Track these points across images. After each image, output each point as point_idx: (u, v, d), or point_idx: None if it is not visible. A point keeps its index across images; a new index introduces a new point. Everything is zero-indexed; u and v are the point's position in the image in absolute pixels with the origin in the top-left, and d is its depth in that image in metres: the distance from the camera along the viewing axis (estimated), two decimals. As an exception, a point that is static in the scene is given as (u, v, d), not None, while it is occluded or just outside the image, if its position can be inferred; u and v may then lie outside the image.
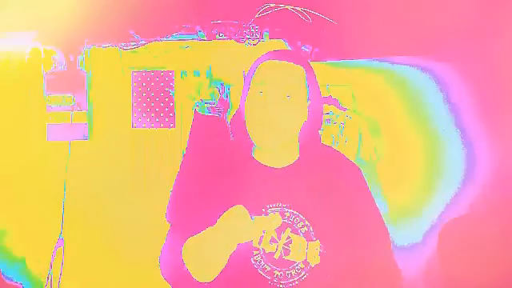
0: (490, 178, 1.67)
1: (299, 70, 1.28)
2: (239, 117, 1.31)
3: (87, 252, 1.80)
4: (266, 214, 1.24)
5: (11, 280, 1.76)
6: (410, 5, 1.64)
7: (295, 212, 1.24)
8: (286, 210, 1.24)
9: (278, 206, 1.24)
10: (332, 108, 1.89)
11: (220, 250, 1.18)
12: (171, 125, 1.87)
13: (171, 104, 1.87)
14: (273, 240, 1.22)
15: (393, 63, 1.80)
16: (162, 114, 1.87)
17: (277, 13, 1.75)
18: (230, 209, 1.18)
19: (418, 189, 1.77)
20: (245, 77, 1.35)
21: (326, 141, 1.89)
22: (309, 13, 1.74)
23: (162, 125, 1.86)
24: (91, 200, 1.80)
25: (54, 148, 1.82)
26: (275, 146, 1.26)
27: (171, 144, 1.87)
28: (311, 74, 1.31)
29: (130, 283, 1.79)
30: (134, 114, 1.86)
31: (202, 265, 1.21)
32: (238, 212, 1.16)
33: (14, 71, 1.79)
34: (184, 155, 1.61)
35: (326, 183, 1.28)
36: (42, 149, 1.81)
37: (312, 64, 1.70)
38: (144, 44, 1.82)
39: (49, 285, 1.78)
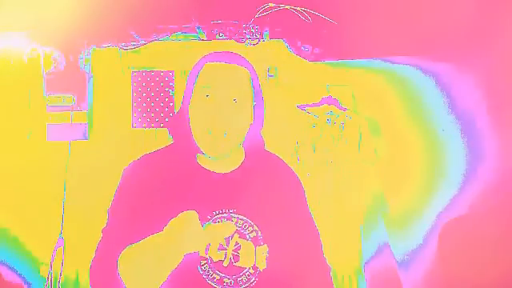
0: (490, 178, 1.67)
1: (244, 72, 1.26)
2: (181, 120, 1.26)
3: (87, 252, 1.80)
4: (214, 221, 1.20)
5: (11, 280, 1.76)
6: (409, 5, 1.64)
7: (243, 217, 1.21)
8: (234, 215, 1.20)
9: (225, 212, 1.20)
10: (332, 108, 1.89)
11: (165, 260, 1.10)
12: (171, 125, 1.87)
13: (171, 104, 1.87)
14: (221, 247, 1.18)
15: (393, 63, 1.80)
16: (162, 114, 1.87)
17: (277, 13, 1.75)
18: (180, 214, 1.12)
19: (418, 189, 1.77)
20: (188, 77, 1.30)
21: (326, 141, 1.89)
22: (309, 13, 1.74)
23: (161, 125, 1.86)
24: (91, 200, 1.80)
25: (54, 148, 1.82)
26: (225, 153, 1.22)
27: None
28: (255, 76, 1.29)
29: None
30: (134, 114, 1.86)
31: (142, 278, 1.12)
32: (188, 218, 1.10)
33: (13, 71, 1.79)
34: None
35: (270, 190, 1.26)
36: (42, 149, 1.81)
37: (312, 64, 1.71)
38: (144, 44, 1.82)
39: (49, 285, 1.78)
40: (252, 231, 1.21)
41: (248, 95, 1.25)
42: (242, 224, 1.21)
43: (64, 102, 1.82)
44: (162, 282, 1.12)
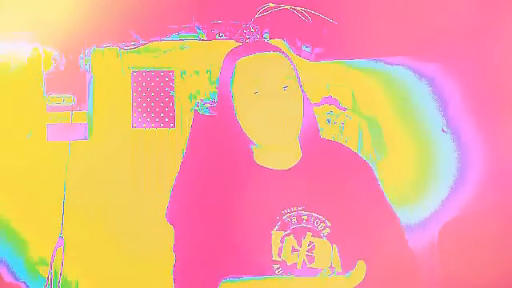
0: (487, 179, 1.67)
1: (282, 57, 1.16)
2: (227, 132, 1.16)
3: (87, 252, 1.80)
4: (282, 221, 1.10)
5: (11, 280, 1.76)
6: (409, 5, 1.64)
7: (313, 214, 1.11)
8: (303, 212, 1.11)
9: (294, 210, 1.11)
10: (332, 108, 1.89)
11: None
12: (171, 125, 1.87)
13: (171, 104, 1.87)
14: (293, 249, 1.08)
15: (393, 63, 1.80)
16: (162, 114, 1.87)
17: (277, 13, 1.75)
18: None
19: (418, 189, 1.77)
20: (220, 85, 1.20)
21: (325, 141, 1.89)
22: (309, 13, 1.74)
23: (161, 125, 1.86)
24: (91, 200, 1.80)
25: (54, 148, 1.82)
26: (288, 141, 1.13)
27: (171, 144, 1.87)
28: (294, 64, 1.19)
29: (131, 283, 1.79)
30: (134, 114, 1.86)
31: None
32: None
33: (14, 71, 1.79)
34: (184, 155, 1.55)
35: (337, 180, 1.17)
36: (41, 149, 1.81)
37: (312, 64, 1.69)
38: (144, 44, 1.82)
39: (49, 285, 1.78)
40: (325, 227, 1.11)
41: (294, 79, 1.16)
42: (314, 221, 1.11)
43: (64, 102, 1.82)
44: None
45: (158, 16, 1.75)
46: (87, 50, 1.83)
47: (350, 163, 1.23)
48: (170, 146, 1.86)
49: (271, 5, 1.74)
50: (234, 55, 1.18)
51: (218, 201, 1.11)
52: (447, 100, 1.75)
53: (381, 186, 1.23)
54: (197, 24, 1.80)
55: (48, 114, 1.82)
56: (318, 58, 1.83)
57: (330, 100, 1.89)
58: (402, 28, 1.65)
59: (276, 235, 1.09)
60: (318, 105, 1.89)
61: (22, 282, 1.77)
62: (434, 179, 1.77)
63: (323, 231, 1.11)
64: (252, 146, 1.17)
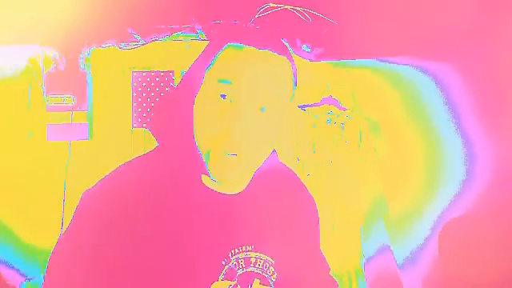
0: (490, 178, 1.67)
1: (285, 64, 0.87)
2: (174, 115, 0.88)
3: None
4: (229, 267, 0.90)
5: (11, 280, 1.76)
6: (410, 5, 1.63)
7: (262, 256, 0.93)
8: (251, 254, 0.92)
9: (242, 251, 0.91)
10: (332, 108, 1.89)
11: None
12: (171, 125, 1.86)
13: (171, 104, 1.87)
14: None
15: (393, 63, 1.80)
16: (162, 114, 1.86)
17: (277, 13, 1.75)
18: None
19: (418, 189, 1.77)
20: (201, 54, 0.90)
21: (326, 141, 1.89)
22: (309, 13, 1.74)
23: (162, 125, 1.86)
24: (91, 200, 1.80)
25: (54, 148, 1.82)
26: (236, 179, 0.92)
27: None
28: (295, 69, 0.92)
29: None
30: (134, 114, 1.86)
31: None
32: None
33: (13, 71, 1.79)
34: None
35: (286, 214, 1.00)
36: (42, 149, 1.81)
37: (312, 64, 1.68)
38: (144, 44, 1.82)
39: (49, 285, 1.77)
40: (274, 272, 0.94)
41: (284, 99, 0.88)
42: (263, 265, 0.94)
43: (64, 102, 1.81)
44: None
45: (158, 16, 1.75)
46: (87, 50, 1.83)
47: (300, 199, 1.06)
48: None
49: (271, 5, 1.74)
50: (226, 36, 0.90)
51: (147, 227, 0.88)
52: (453, 99, 1.74)
53: (318, 231, 1.07)
54: (197, 24, 1.80)
55: (48, 114, 1.81)
56: (318, 57, 1.83)
57: (330, 100, 1.88)
58: (402, 27, 1.65)
59: (221, 286, 0.89)
60: (318, 105, 1.88)
61: (21, 282, 1.77)
62: (441, 179, 1.77)
63: (272, 276, 0.95)
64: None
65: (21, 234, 1.78)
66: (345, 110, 1.89)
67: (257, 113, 0.86)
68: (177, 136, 0.92)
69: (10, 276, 1.76)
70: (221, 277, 0.90)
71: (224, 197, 0.94)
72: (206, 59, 0.91)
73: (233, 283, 0.91)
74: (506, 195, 1.62)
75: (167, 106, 0.96)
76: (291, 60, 0.93)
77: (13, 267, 1.76)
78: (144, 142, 1.87)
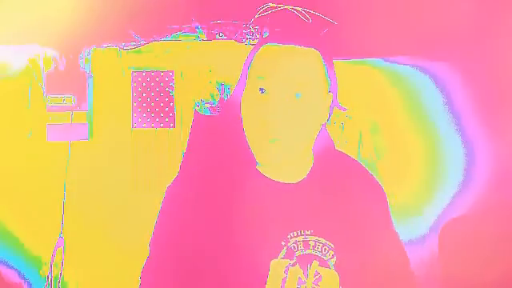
0: (489, 178, 1.67)
1: (312, 54, 0.96)
2: (233, 116, 1.00)
3: (87, 252, 1.80)
4: (287, 248, 0.96)
5: (11, 280, 1.76)
6: (410, 4, 1.63)
7: (321, 240, 0.97)
8: (310, 237, 0.96)
9: (301, 234, 0.96)
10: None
11: None
12: (171, 125, 1.86)
13: (171, 104, 1.87)
14: (299, 281, 0.95)
15: (393, 63, 1.80)
16: (162, 114, 1.86)
17: (277, 13, 1.75)
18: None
19: (418, 188, 1.77)
20: (245, 60, 1.03)
21: (326, 141, 1.89)
22: (309, 13, 1.74)
23: (161, 125, 1.86)
24: (91, 200, 1.80)
25: (54, 148, 1.82)
26: (282, 163, 0.97)
27: (171, 144, 1.87)
28: (328, 57, 0.98)
29: (131, 283, 1.79)
30: (134, 114, 1.86)
31: None
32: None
33: (14, 71, 1.79)
34: (184, 156, 1.44)
35: (348, 202, 1.02)
36: (42, 149, 1.81)
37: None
38: (144, 44, 1.82)
39: (49, 285, 1.78)
40: (333, 256, 0.97)
41: (319, 86, 0.96)
42: (321, 248, 0.97)
43: (64, 102, 1.81)
44: None
45: (158, 16, 1.75)
46: (87, 50, 1.83)
47: (364, 184, 1.10)
48: (170, 146, 1.86)
49: (271, 5, 1.74)
50: (263, 40, 1.01)
51: (214, 215, 0.97)
52: (453, 99, 1.75)
53: (391, 214, 1.10)
54: (197, 24, 1.80)
55: (48, 114, 1.82)
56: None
57: (330, 100, 1.88)
58: (402, 27, 1.65)
59: (280, 264, 0.95)
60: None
61: (21, 282, 1.77)
62: (441, 178, 1.77)
63: (331, 260, 0.97)
64: None
65: (21, 233, 1.78)
66: (345, 110, 1.88)
67: (292, 99, 0.94)
68: (231, 133, 1.02)
69: (10, 275, 1.76)
70: (281, 255, 0.95)
71: (283, 185, 1.00)
72: (248, 61, 1.03)
73: (292, 261, 0.94)
74: (505, 195, 1.62)
75: (226, 107, 1.09)
76: (322, 50, 1.00)
77: (12, 267, 1.76)
78: (144, 142, 1.87)
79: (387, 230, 1.09)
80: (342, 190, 1.04)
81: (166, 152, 1.86)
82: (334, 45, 1.81)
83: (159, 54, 1.86)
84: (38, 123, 1.82)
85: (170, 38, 1.82)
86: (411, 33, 1.65)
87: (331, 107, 1.05)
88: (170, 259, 1.01)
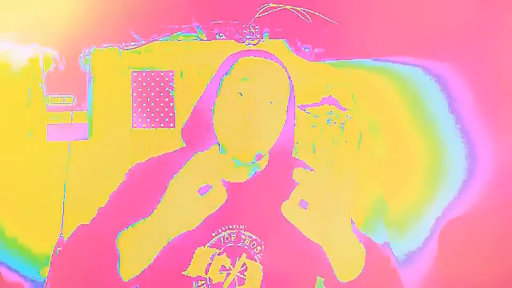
0: (491, 178, 1.67)
1: (282, 71, 1.14)
2: (199, 122, 1.10)
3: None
4: (218, 239, 1.07)
5: (11, 280, 1.76)
6: (410, 4, 1.63)
7: (253, 236, 1.08)
8: (244, 232, 1.08)
9: (235, 228, 1.08)
10: (332, 108, 1.89)
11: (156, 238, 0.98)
12: (171, 125, 1.86)
13: (171, 104, 1.87)
14: (223, 268, 1.06)
15: (393, 63, 1.80)
16: (162, 114, 1.86)
17: (277, 13, 1.75)
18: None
19: (418, 189, 1.77)
20: (215, 74, 1.15)
21: (325, 141, 1.89)
22: (309, 13, 1.74)
23: (161, 125, 1.86)
24: (91, 200, 1.80)
25: (54, 148, 1.82)
26: (255, 159, 1.09)
27: (171, 144, 1.86)
28: (291, 79, 1.16)
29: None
30: (134, 114, 1.86)
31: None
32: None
33: (14, 71, 1.79)
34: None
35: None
36: (41, 149, 1.81)
37: (312, 64, 1.69)
38: (144, 44, 1.82)
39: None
40: (261, 251, 1.09)
41: (284, 97, 1.12)
42: (250, 243, 1.08)
43: (64, 102, 1.81)
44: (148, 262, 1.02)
45: (158, 16, 1.75)
46: (87, 50, 1.83)
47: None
48: (170, 146, 1.86)
49: (271, 5, 1.74)
50: (240, 53, 1.15)
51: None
52: (456, 99, 1.75)
53: None
54: (197, 24, 1.80)
55: (48, 114, 1.82)
56: (318, 57, 1.83)
57: (330, 100, 1.88)
58: (403, 27, 1.65)
59: (206, 252, 1.05)
60: (317, 105, 1.88)
61: (21, 282, 1.77)
62: (443, 179, 1.77)
63: (259, 255, 1.08)
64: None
65: (20, 234, 1.78)
66: (345, 110, 1.89)
67: (267, 105, 1.08)
68: (200, 135, 1.15)
69: (10, 275, 1.76)
70: (207, 244, 1.07)
71: (230, 184, 1.11)
72: (223, 69, 1.16)
73: (219, 251, 1.04)
74: (506, 195, 1.62)
75: (194, 111, 1.18)
76: (288, 72, 1.17)
77: (12, 267, 1.76)
78: (144, 142, 1.87)
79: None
80: (286, 192, 1.12)
81: (165, 152, 1.86)
82: (333, 45, 1.82)
83: (159, 54, 1.86)
84: (38, 123, 1.82)
85: (169, 38, 1.82)
86: (412, 33, 1.65)
87: (289, 118, 1.15)
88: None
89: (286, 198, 1.11)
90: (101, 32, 1.78)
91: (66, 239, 1.16)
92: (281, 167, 1.17)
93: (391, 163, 1.83)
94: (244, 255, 1.08)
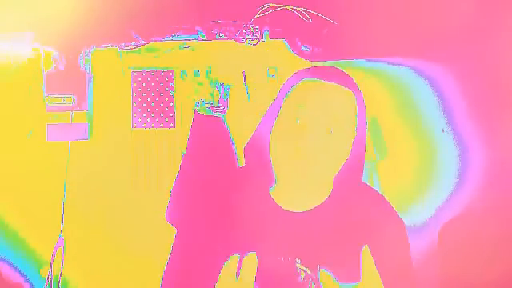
0: (487, 179, 1.67)
1: (348, 94, 1.03)
2: (256, 143, 1.06)
3: (87, 252, 1.80)
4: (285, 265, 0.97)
5: (11, 280, 1.76)
6: (410, 5, 1.64)
7: (308, 270, 0.97)
8: (300, 266, 0.98)
9: (292, 261, 0.98)
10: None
11: None
12: (171, 125, 1.86)
13: (171, 104, 1.87)
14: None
15: (393, 64, 1.80)
16: (162, 114, 1.87)
17: (277, 13, 1.75)
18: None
19: (416, 188, 1.77)
20: (279, 91, 1.05)
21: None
22: (309, 13, 1.74)
23: (162, 125, 1.86)
24: (91, 200, 1.80)
25: (54, 148, 1.82)
26: (305, 189, 1.01)
27: (171, 144, 1.87)
28: (361, 100, 1.05)
29: (131, 283, 1.79)
30: (134, 114, 1.86)
31: None
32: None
33: (14, 71, 1.79)
34: (184, 156, 1.44)
35: (361, 231, 1.03)
36: (42, 149, 1.81)
37: (312, 64, 1.67)
38: (144, 44, 1.82)
39: (49, 285, 1.78)
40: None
41: (349, 125, 1.03)
42: (305, 277, 0.98)
43: (64, 102, 1.82)
44: None
45: (158, 16, 1.75)
46: (87, 50, 1.83)
47: (383, 218, 1.08)
48: (170, 146, 1.86)
49: (271, 5, 1.74)
50: (303, 72, 1.07)
51: (217, 205, 1.01)
52: (448, 100, 1.75)
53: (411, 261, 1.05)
54: (197, 24, 1.80)
55: (48, 114, 1.82)
56: (318, 58, 1.83)
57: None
58: (402, 28, 1.65)
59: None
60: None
61: (21, 282, 1.77)
62: (434, 179, 1.77)
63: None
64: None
65: (20, 233, 1.78)
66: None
67: (325, 133, 0.99)
68: (259, 158, 1.05)
69: (10, 275, 1.76)
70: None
71: (291, 213, 1.02)
72: (285, 89, 1.08)
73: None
74: (504, 195, 1.62)
75: (257, 132, 1.08)
76: (357, 93, 1.05)
77: (12, 267, 1.76)
78: (144, 142, 1.87)
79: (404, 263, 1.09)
80: (357, 222, 1.04)
81: (166, 152, 1.86)
82: (333, 45, 1.82)
83: (159, 54, 1.86)
84: (37, 123, 1.82)
85: (169, 38, 1.82)
86: (412, 34, 1.65)
87: (356, 145, 1.07)
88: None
89: (355, 227, 1.02)
90: (101, 32, 1.78)
91: None
92: (347, 195, 1.07)
93: (390, 163, 1.83)
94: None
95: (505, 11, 1.59)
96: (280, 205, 1.04)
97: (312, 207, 1.04)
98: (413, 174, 1.78)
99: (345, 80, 1.06)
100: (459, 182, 1.71)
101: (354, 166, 1.10)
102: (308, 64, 1.83)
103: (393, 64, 1.80)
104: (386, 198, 1.16)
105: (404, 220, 1.78)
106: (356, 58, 1.82)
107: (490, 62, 1.62)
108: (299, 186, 1.01)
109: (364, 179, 1.20)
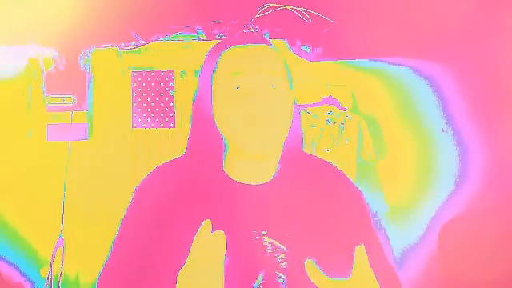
0: (487, 178, 1.67)
1: (272, 51, 1.02)
2: (200, 130, 1.02)
3: (87, 252, 1.80)
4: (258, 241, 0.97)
5: (11, 280, 1.76)
6: (409, 6, 1.64)
7: (275, 242, 0.97)
8: (266, 238, 0.97)
9: (258, 235, 0.96)
10: (332, 108, 1.89)
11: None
12: (171, 125, 1.87)
13: (171, 104, 1.87)
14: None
15: (393, 64, 1.80)
16: (162, 114, 1.87)
17: (277, 13, 1.75)
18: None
19: (416, 188, 1.77)
20: (202, 71, 1.05)
21: (326, 141, 1.89)
22: (309, 13, 1.74)
23: (162, 125, 1.86)
24: (91, 200, 1.80)
25: (54, 148, 1.82)
26: (272, 146, 0.98)
27: (171, 144, 1.87)
28: (284, 58, 1.04)
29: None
30: (134, 114, 1.86)
31: None
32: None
33: (14, 71, 1.79)
34: None
35: (316, 201, 1.01)
36: (42, 149, 1.81)
37: (312, 64, 1.66)
38: (144, 44, 1.82)
39: (49, 285, 1.78)
40: (283, 260, 0.97)
41: (285, 79, 1.01)
42: (273, 249, 0.98)
43: (64, 102, 1.82)
44: None
45: (158, 16, 1.75)
46: (87, 50, 1.83)
47: (336, 184, 1.08)
48: (170, 146, 1.86)
49: (271, 5, 1.74)
50: (218, 48, 1.04)
51: (177, 213, 0.99)
52: (448, 100, 1.75)
53: (371, 224, 1.06)
54: (197, 24, 1.80)
55: (48, 114, 1.82)
56: (318, 57, 1.83)
57: (330, 100, 1.88)
58: (402, 28, 1.65)
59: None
60: (317, 105, 1.89)
61: (21, 281, 1.77)
62: (434, 179, 1.77)
63: (282, 264, 0.97)
64: (224, 154, 1.02)
65: (21, 233, 1.78)
66: (345, 110, 1.89)
67: (268, 89, 0.98)
68: (203, 136, 1.04)
69: (11, 275, 1.76)
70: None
71: (247, 187, 1.02)
72: (208, 68, 1.04)
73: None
74: (503, 195, 1.62)
75: (193, 121, 1.07)
76: (283, 54, 1.07)
77: (12, 267, 1.76)
78: (144, 142, 1.87)
79: (367, 233, 1.05)
80: (313, 193, 1.03)
81: (165, 152, 1.86)
82: (333, 45, 1.82)
83: (159, 54, 1.86)
84: (38, 123, 1.82)
85: (170, 38, 1.82)
86: (412, 34, 1.65)
87: (294, 107, 1.05)
88: (130, 261, 1.03)
89: (311, 197, 1.01)
90: (101, 32, 1.78)
91: None
92: (294, 165, 1.05)
93: (390, 163, 1.83)
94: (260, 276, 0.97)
95: (505, 11, 1.59)
96: (236, 180, 1.02)
97: (265, 180, 1.03)
98: (413, 174, 1.78)
99: (264, 39, 1.07)
100: (459, 182, 1.71)
101: (296, 135, 1.08)
102: (308, 64, 1.84)
103: (393, 64, 1.80)
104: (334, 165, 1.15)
105: (404, 220, 1.79)
106: (356, 58, 1.83)
107: (490, 62, 1.62)
108: (253, 155, 1.00)
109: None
